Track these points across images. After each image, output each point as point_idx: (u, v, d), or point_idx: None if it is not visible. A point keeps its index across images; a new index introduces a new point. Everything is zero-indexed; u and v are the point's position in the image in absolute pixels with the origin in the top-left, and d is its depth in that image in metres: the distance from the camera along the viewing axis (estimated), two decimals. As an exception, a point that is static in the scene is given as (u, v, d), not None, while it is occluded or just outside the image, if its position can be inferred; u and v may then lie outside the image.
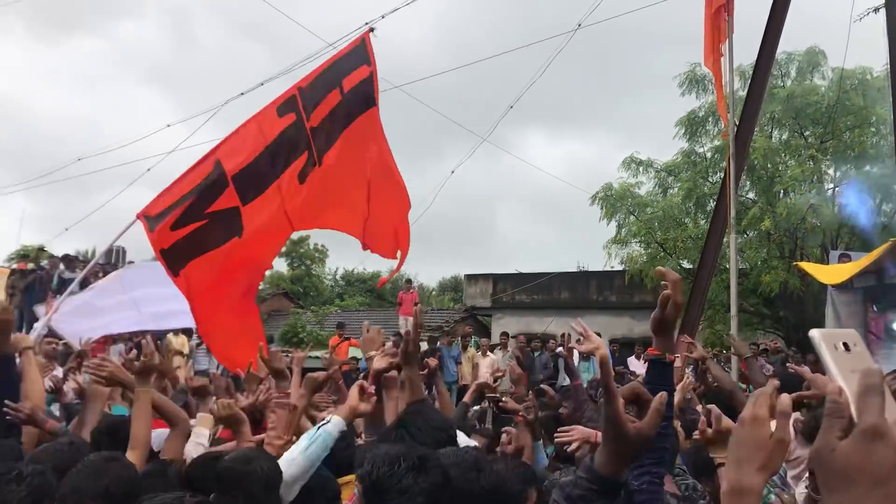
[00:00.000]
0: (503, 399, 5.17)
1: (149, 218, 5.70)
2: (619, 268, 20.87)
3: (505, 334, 17.33)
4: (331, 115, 6.85)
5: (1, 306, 4.27)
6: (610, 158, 78.57)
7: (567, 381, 5.78)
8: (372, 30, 7.50)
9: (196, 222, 5.82)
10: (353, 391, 3.20)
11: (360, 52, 7.29)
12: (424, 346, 16.48)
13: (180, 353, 16.59)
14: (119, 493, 2.71)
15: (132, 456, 3.30)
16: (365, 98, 7.25)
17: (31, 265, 16.93)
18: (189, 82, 68.81)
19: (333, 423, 3.01)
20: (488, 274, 24.77)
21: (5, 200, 45.37)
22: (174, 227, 5.74)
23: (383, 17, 14.33)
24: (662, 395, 1.91)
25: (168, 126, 16.17)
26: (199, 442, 4.28)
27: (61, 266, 16.17)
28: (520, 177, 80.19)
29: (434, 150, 75.59)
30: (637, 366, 13.62)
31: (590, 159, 76.11)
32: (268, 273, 42.92)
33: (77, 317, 8.71)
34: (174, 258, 5.80)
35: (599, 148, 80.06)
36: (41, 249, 18.33)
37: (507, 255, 78.01)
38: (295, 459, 2.87)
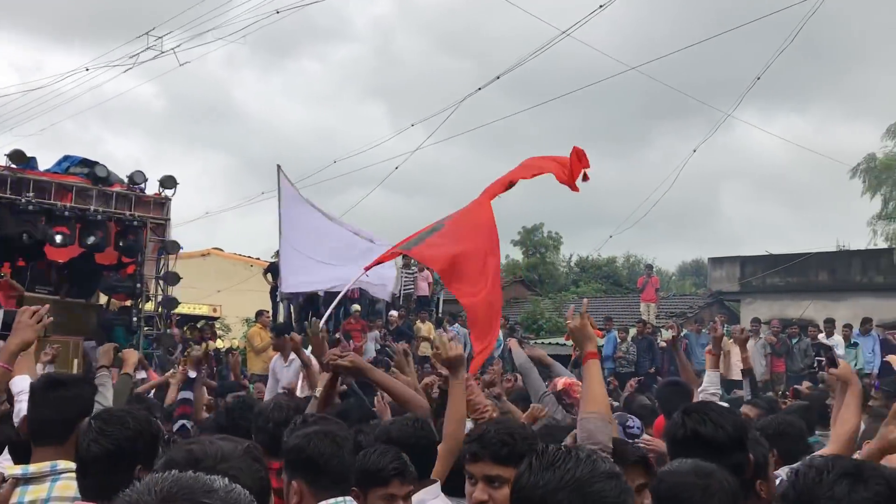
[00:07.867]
0: None
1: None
2: (885, 245, 18.88)
3: (756, 320, 16.32)
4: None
5: None
6: (862, 130, 70.37)
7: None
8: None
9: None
10: None
11: None
12: (668, 333, 16.01)
13: (427, 340, 17.56)
14: None
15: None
16: None
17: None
18: (403, 94, 74.24)
19: None
20: (735, 256, 23.41)
21: (263, 206, 50.48)
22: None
23: (616, -1, 14.12)
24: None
25: (412, 126, 17.43)
26: None
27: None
28: (752, 154, 74.57)
29: (643, 135, 73.26)
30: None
31: (841, 131, 69.24)
32: (504, 261, 43.88)
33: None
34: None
35: (848, 118, 72.54)
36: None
37: (746, 237, 73.49)
38: None
